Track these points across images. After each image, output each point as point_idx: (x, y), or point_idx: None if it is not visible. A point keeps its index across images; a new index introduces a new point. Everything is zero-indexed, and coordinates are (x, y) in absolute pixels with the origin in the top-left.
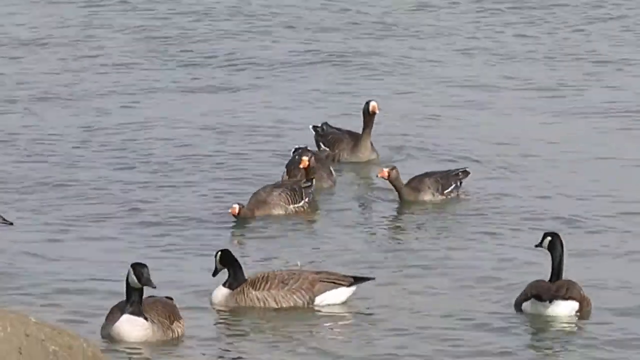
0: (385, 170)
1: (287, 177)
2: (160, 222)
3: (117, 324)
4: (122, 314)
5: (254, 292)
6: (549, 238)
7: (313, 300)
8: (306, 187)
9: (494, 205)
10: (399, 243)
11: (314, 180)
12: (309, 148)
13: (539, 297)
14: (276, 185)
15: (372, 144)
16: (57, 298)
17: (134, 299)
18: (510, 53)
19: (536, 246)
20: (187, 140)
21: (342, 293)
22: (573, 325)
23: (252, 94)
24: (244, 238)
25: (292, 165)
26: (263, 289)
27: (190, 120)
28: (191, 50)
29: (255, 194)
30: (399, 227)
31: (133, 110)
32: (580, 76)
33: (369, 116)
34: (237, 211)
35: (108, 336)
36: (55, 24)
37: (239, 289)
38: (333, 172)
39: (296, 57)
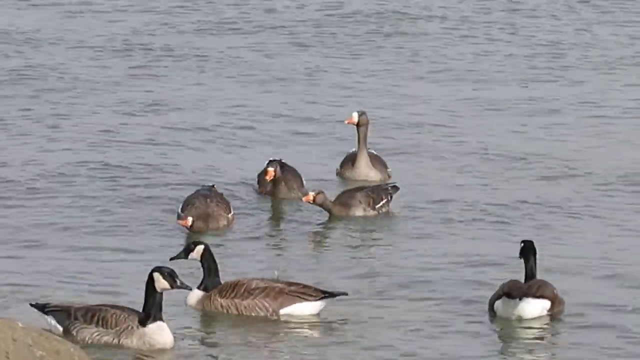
0: (311, 194)
1: (259, 187)
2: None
3: (157, 332)
4: (142, 321)
5: (219, 300)
6: (521, 244)
7: (277, 313)
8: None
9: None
10: (344, 257)
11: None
12: (282, 160)
13: (510, 295)
14: (207, 196)
15: (375, 161)
16: None
17: (158, 305)
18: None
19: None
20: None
21: (308, 307)
22: (543, 324)
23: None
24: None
25: (262, 176)
26: (228, 297)
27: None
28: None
29: (194, 206)
30: (345, 240)
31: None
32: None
33: (357, 128)
34: (189, 224)
35: (142, 345)
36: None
37: (208, 293)
38: (304, 183)
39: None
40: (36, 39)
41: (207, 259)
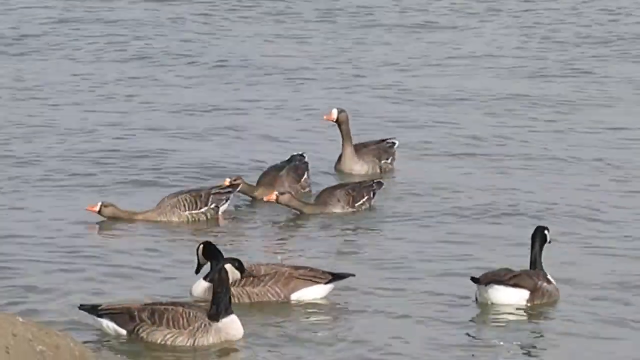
0: (274, 194)
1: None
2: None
3: (231, 325)
4: (212, 316)
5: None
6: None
7: (288, 298)
8: (217, 193)
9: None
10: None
11: (234, 188)
12: (303, 154)
13: (476, 280)
14: (182, 191)
15: (367, 154)
16: None
17: (229, 298)
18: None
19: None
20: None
21: (318, 290)
22: (513, 312)
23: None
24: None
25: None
26: (238, 285)
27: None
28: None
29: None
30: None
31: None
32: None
33: (338, 125)
34: (97, 209)
35: (218, 340)
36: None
37: None
38: (301, 181)
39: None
40: (44, 40)
41: (209, 253)
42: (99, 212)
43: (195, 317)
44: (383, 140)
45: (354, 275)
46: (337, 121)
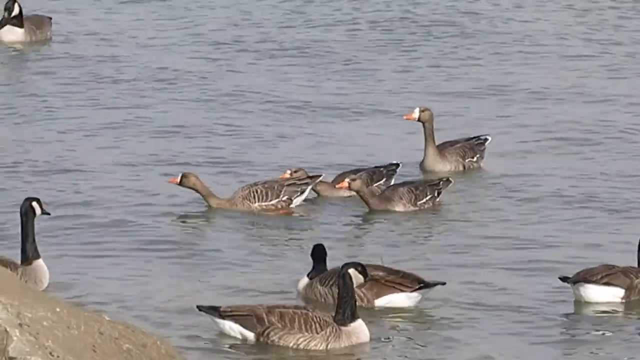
0: (346, 180)
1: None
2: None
3: (361, 330)
4: (340, 321)
5: (319, 287)
6: None
7: (372, 302)
8: (292, 184)
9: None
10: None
11: (311, 180)
12: (399, 163)
13: (565, 280)
14: (257, 182)
15: (450, 153)
16: None
17: (355, 303)
18: None
19: None
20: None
21: (403, 298)
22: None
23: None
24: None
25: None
26: (326, 285)
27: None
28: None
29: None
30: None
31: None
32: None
33: (422, 124)
34: (178, 180)
35: (348, 343)
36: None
37: (311, 281)
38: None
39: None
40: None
41: (315, 254)
42: (180, 182)
43: (326, 321)
44: (473, 138)
45: (444, 283)
46: (419, 120)
